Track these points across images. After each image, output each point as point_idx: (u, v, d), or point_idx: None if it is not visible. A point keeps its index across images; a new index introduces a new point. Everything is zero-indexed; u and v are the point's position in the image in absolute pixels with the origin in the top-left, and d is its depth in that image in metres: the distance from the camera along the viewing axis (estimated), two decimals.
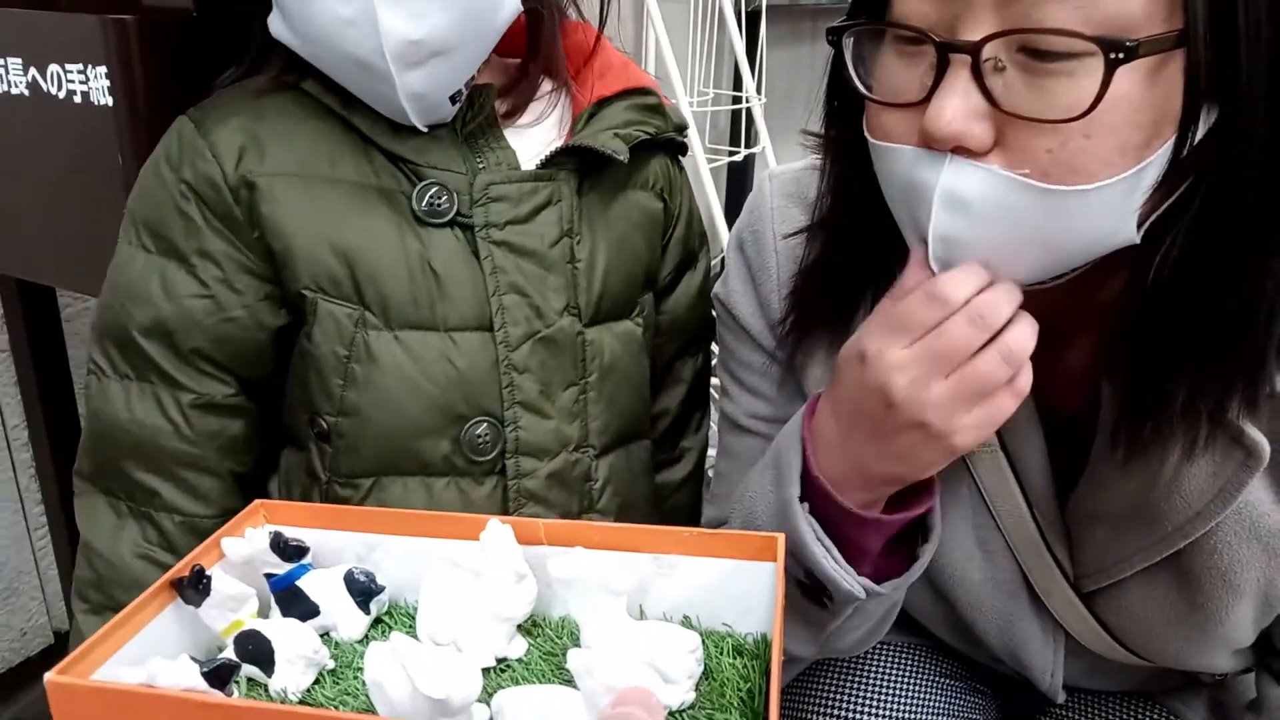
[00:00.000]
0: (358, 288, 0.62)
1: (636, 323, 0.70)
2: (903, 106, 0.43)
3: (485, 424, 0.63)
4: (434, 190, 0.62)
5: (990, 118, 0.41)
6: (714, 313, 0.68)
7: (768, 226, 0.61)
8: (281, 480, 0.69)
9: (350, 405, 0.63)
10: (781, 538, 0.43)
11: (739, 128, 2.33)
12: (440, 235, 0.63)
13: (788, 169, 0.63)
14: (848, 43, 0.46)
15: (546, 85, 0.70)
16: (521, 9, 0.62)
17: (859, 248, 0.53)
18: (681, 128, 0.73)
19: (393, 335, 0.62)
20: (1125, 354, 0.47)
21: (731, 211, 2.48)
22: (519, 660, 0.43)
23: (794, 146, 0.63)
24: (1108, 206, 0.41)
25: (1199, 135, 0.41)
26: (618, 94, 0.68)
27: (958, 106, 0.40)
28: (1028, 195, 0.41)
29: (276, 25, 0.61)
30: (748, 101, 2.16)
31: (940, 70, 0.41)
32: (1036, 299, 0.46)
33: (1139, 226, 0.43)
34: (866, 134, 0.46)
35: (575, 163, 0.65)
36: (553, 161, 0.65)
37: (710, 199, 1.63)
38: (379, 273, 0.62)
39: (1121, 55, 0.37)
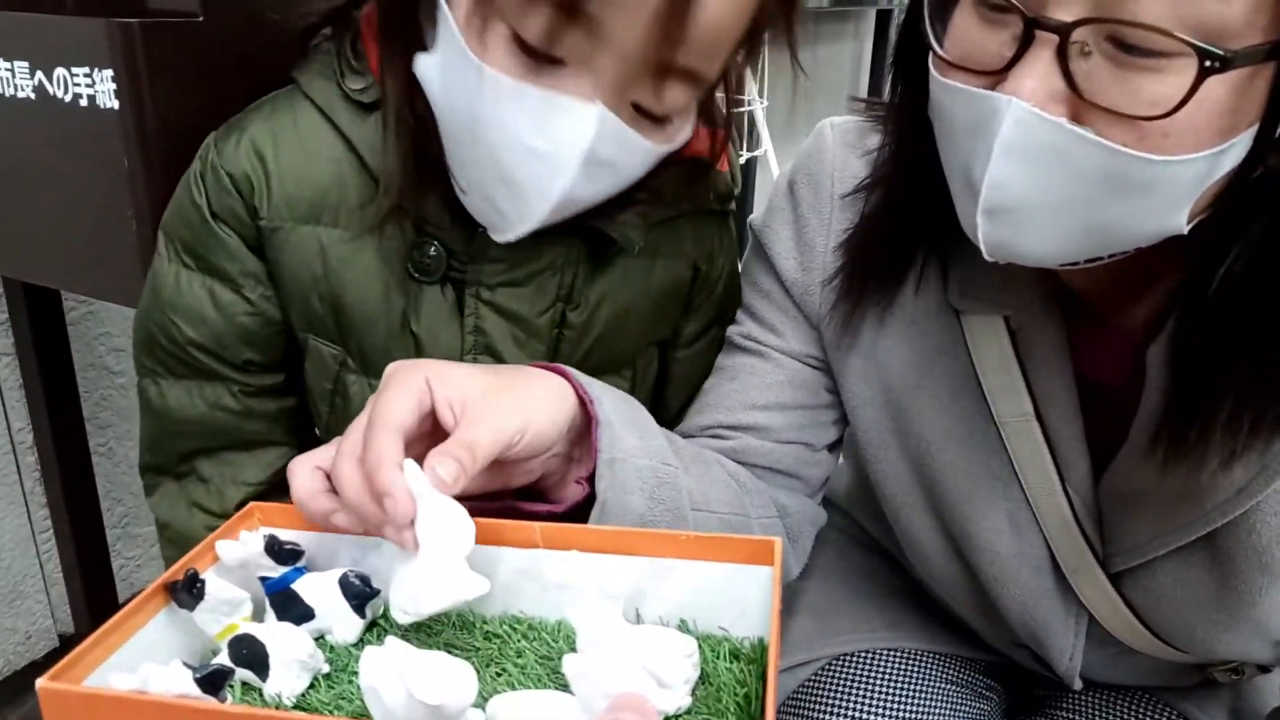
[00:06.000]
0: (341, 334, 0.63)
1: (624, 376, 0.69)
2: (975, 72, 0.42)
3: None
4: (431, 248, 0.61)
5: (1067, 101, 0.40)
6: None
7: (826, 173, 0.61)
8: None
9: (334, 432, 0.63)
10: (778, 542, 0.43)
11: (741, 130, 2.33)
12: (429, 292, 0.62)
13: (849, 120, 0.63)
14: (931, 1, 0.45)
15: None
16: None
17: (913, 210, 0.53)
18: (728, 196, 0.68)
19: (367, 381, 0.64)
20: (1174, 340, 0.47)
21: (734, 214, 2.49)
22: (514, 664, 0.42)
23: (796, 150, 0.63)
24: (1165, 187, 0.40)
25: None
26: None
27: (1037, 86, 0.40)
28: (1091, 155, 0.40)
29: (428, 72, 0.55)
30: (750, 105, 2.16)
31: (1024, 44, 0.40)
32: (1088, 271, 0.45)
33: (1190, 220, 0.42)
34: (933, 73, 0.45)
35: (586, 234, 0.61)
36: (556, 228, 0.58)
37: None
38: (360, 326, 0.62)
39: (1216, 64, 0.37)
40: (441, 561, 0.41)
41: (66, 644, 1.28)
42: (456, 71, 0.52)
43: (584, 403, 0.51)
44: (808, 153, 0.63)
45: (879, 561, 0.78)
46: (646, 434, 0.53)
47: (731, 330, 0.67)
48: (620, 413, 0.52)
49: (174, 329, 0.63)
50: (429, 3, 0.54)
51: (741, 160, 2.24)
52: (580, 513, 0.51)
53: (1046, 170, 0.41)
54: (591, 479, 0.50)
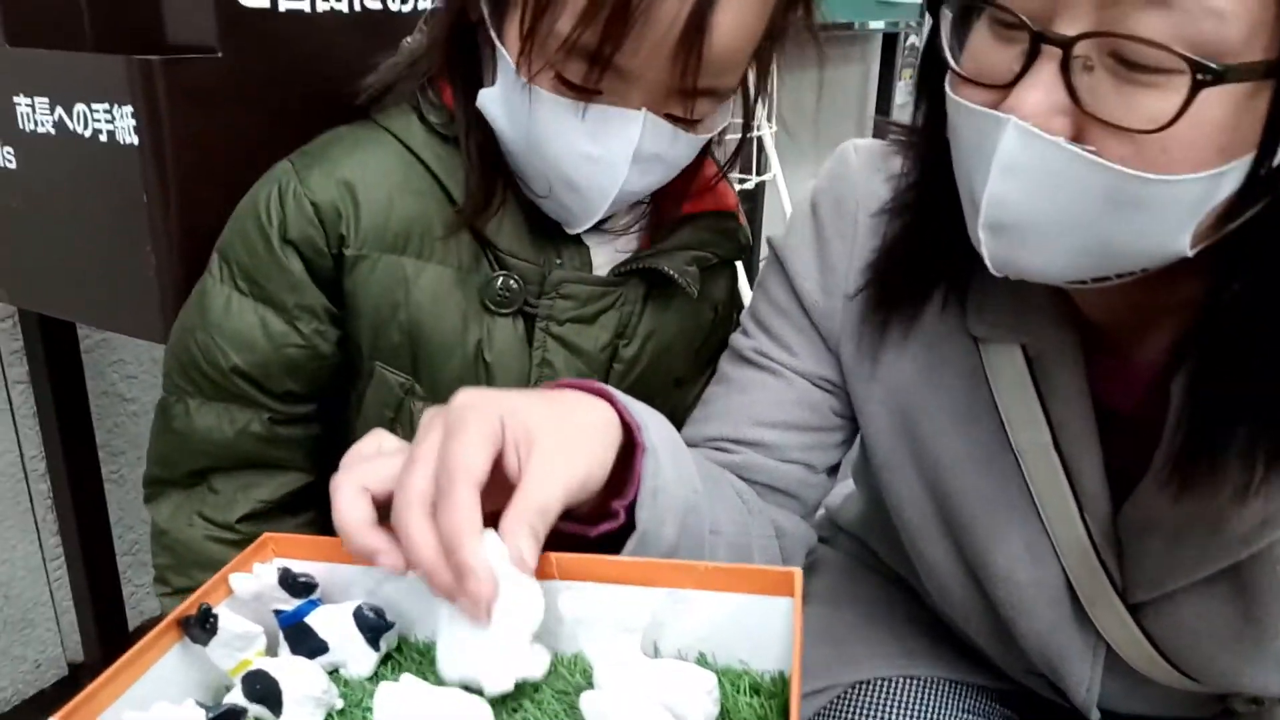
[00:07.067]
0: (414, 363, 0.65)
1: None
2: (987, 86, 0.43)
3: None
4: (509, 282, 0.65)
5: (1071, 114, 0.41)
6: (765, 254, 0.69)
7: (851, 196, 0.61)
8: None
9: None
10: (797, 572, 0.42)
11: (749, 155, 2.35)
12: (502, 324, 0.65)
13: (872, 142, 0.64)
14: (946, 15, 0.46)
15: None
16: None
17: (934, 235, 0.53)
18: (747, 247, 0.75)
19: (437, 409, 0.64)
20: (1194, 372, 0.47)
21: None
22: (531, 701, 0.42)
23: (807, 173, 0.64)
24: (1165, 207, 0.41)
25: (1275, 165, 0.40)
26: (702, 213, 0.70)
27: (1040, 99, 0.41)
28: (1088, 173, 0.41)
29: (491, 104, 0.62)
30: (758, 129, 2.18)
31: (1030, 58, 0.41)
32: (1103, 296, 0.45)
33: (1194, 244, 0.42)
34: (948, 90, 0.46)
35: (648, 274, 0.67)
36: (627, 271, 0.67)
37: None
38: (437, 357, 0.64)
39: (1209, 77, 0.37)
40: (511, 639, 0.40)
41: (76, 672, 1.28)
42: (515, 101, 0.60)
43: (629, 428, 0.50)
44: (831, 175, 0.64)
45: (893, 588, 0.77)
46: (680, 459, 0.52)
47: (741, 341, 0.66)
48: (663, 438, 0.51)
49: (217, 353, 0.64)
50: (488, 46, 0.61)
51: (750, 185, 2.25)
52: (609, 537, 0.50)
53: (1044, 187, 0.42)
54: (629, 507, 0.49)
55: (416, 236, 0.64)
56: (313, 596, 0.45)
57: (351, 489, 0.41)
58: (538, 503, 0.40)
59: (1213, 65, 0.37)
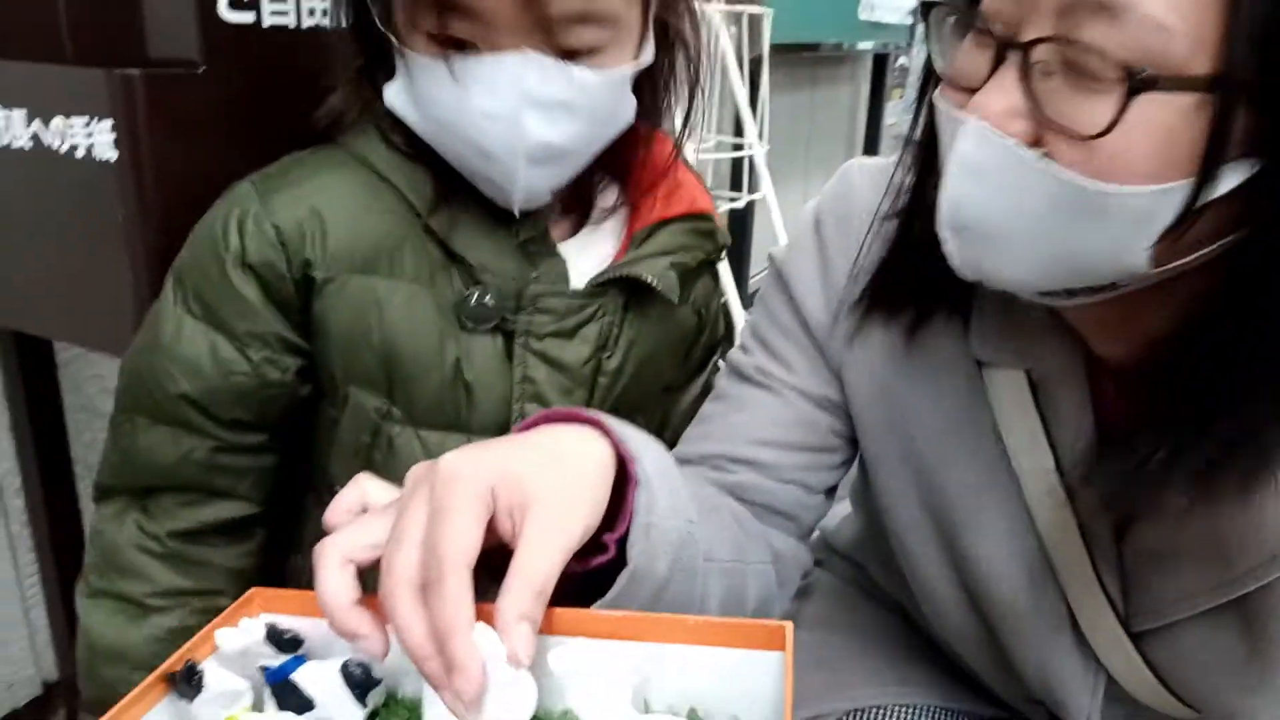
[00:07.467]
0: (390, 386, 0.63)
1: (637, 422, 0.70)
2: (963, 90, 0.45)
3: None
4: (485, 297, 0.63)
5: (1030, 118, 0.42)
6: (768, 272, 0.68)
7: (857, 214, 0.61)
8: (300, 523, 0.70)
9: None
10: (789, 626, 0.41)
11: (740, 174, 2.36)
12: (479, 341, 0.64)
13: (875, 161, 0.64)
14: (935, 23, 0.47)
15: (611, 196, 0.70)
16: (632, 120, 0.63)
17: (927, 245, 0.53)
18: (724, 248, 0.74)
19: (415, 432, 0.64)
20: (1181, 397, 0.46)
21: (733, 258, 2.51)
22: None
23: (797, 193, 0.63)
24: (1113, 218, 0.41)
25: (1232, 185, 0.40)
26: (677, 216, 0.69)
27: (999, 101, 0.42)
28: (1038, 177, 0.42)
29: (397, 97, 0.61)
30: (750, 148, 2.19)
31: (996, 63, 0.42)
32: (1096, 319, 0.45)
33: (1158, 264, 0.42)
34: (934, 96, 0.48)
35: (626, 283, 0.66)
36: (605, 282, 0.65)
37: None
38: (414, 378, 0.63)
39: (1138, 84, 0.38)
40: None
41: (50, 690, 1.25)
42: (412, 80, 0.58)
43: (622, 459, 0.49)
44: (834, 194, 0.63)
45: (889, 613, 0.77)
46: (675, 489, 0.51)
47: (740, 358, 0.65)
48: (658, 468, 0.50)
49: (165, 377, 0.62)
50: (387, 41, 0.59)
51: (741, 204, 2.25)
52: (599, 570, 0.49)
53: (999, 189, 0.43)
54: (620, 540, 0.47)
55: (386, 256, 0.62)
56: (299, 652, 0.44)
57: (334, 562, 0.40)
58: (535, 585, 0.38)
59: (1145, 72, 0.38)
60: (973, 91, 0.44)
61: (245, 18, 0.71)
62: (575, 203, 0.68)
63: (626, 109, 0.63)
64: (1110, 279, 0.44)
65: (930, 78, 0.50)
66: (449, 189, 0.63)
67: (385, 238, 0.62)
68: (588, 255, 0.67)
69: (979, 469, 0.57)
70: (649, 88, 0.65)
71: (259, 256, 0.61)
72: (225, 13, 0.70)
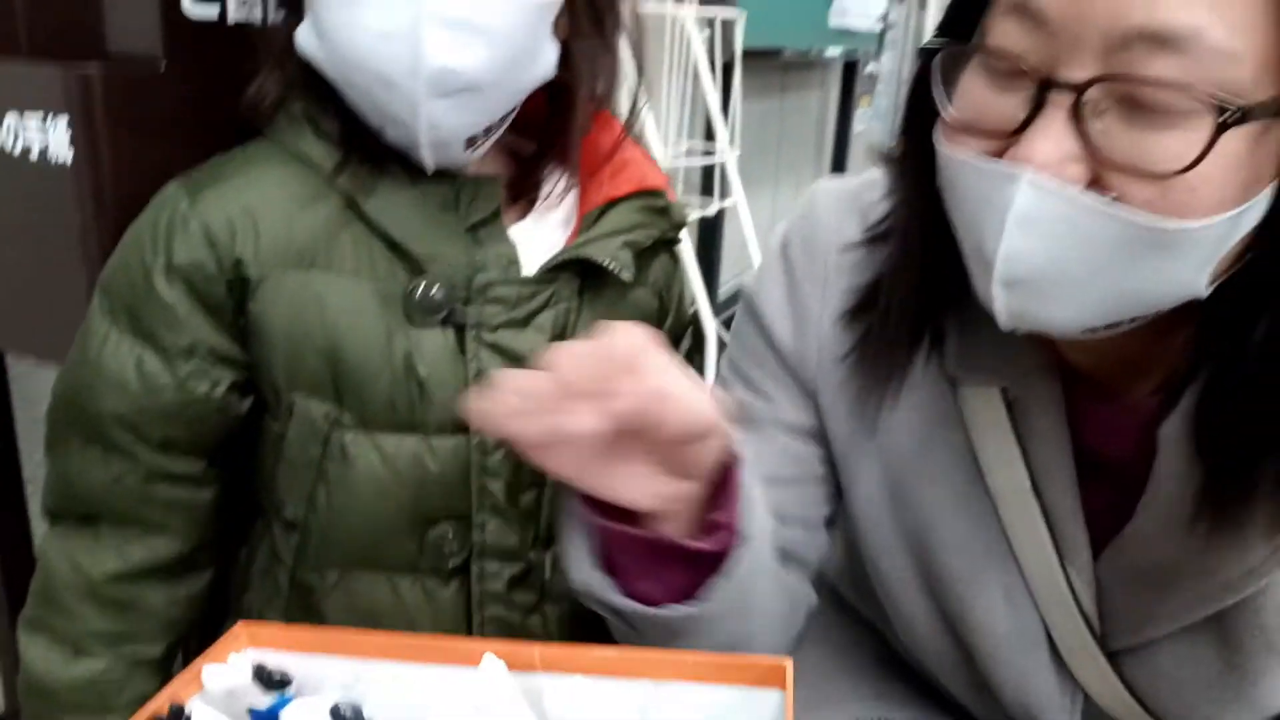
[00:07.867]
0: (338, 390, 0.60)
1: None
2: (986, 136, 0.42)
3: (453, 527, 0.62)
4: (432, 289, 0.60)
5: (1084, 161, 0.40)
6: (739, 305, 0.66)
7: (822, 235, 0.60)
8: (248, 556, 0.67)
9: (320, 503, 0.61)
10: (788, 664, 0.40)
11: (711, 180, 2.36)
12: (429, 335, 0.61)
13: (840, 182, 0.62)
14: (942, 67, 0.45)
15: (558, 178, 0.67)
16: (554, 72, 0.60)
17: (921, 279, 0.52)
18: (680, 225, 0.71)
19: (368, 437, 0.61)
20: (1199, 419, 0.46)
21: (704, 264, 2.50)
22: None
23: (766, 199, 0.62)
24: (1188, 250, 0.40)
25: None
26: (628, 195, 0.66)
27: (1051, 148, 0.40)
28: (1108, 222, 0.40)
29: (305, 37, 0.58)
30: (721, 154, 2.18)
31: (1037, 106, 0.40)
32: (1093, 341, 0.45)
33: (1210, 283, 0.42)
34: (939, 147, 0.45)
35: (579, 267, 0.63)
36: (557, 266, 0.63)
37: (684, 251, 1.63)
38: (362, 377, 0.60)
39: (1235, 117, 0.37)
40: None
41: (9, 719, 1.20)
42: (315, 12, 0.56)
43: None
44: (802, 216, 0.62)
45: (866, 637, 0.76)
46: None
47: (717, 395, 0.64)
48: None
49: (92, 394, 0.59)
50: None
51: (712, 210, 2.25)
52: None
53: (1061, 240, 0.41)
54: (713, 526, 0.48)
55: (324, 248, 0.59)
56: (286, 692, 0.43)
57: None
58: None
59: (1237, 104, 0.37)
60: (997, 137, 0.42)
61: (209, 13, 0.68)
62: (523, 188, 0.66)
63: (546, 53, 0.59)
64: (1162, 308, 0.43)
65: (917, 115, 0.48)
66: (361, 146, 0.59)
67: (321, 229, 0.60)
68: (538, 241, 0.65)
69: (955, 489, 0.57)
70: (583, 55, 0.62)
71: (187, 258, 0.58)
72: (188, 8, 0.67)
